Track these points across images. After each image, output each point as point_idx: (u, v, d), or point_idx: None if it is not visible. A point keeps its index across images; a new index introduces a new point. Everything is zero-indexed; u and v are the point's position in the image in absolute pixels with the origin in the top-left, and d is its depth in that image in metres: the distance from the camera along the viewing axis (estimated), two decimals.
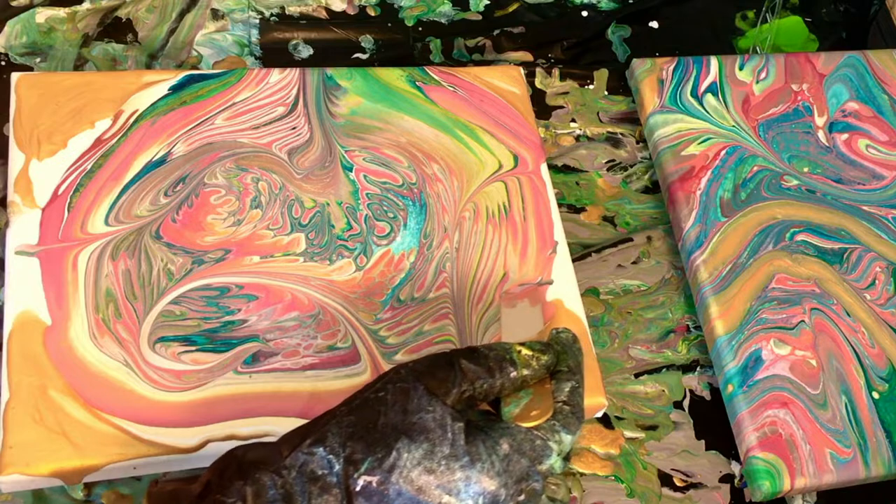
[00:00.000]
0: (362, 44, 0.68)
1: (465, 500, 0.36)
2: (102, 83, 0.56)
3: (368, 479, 0.35)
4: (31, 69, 0.60)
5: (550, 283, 0.56)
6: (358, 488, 0.35)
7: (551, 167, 0.65)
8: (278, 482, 0.35)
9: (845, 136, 0.68)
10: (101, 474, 0.46)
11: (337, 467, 0.35)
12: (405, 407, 0.36)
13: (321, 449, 0.36)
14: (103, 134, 0.55)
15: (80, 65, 0.62)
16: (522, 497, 0.37)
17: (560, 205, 0.63)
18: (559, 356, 0.40)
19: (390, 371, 0.38)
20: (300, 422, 0.48)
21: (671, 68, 0.67)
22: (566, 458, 0.39)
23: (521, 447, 0.37)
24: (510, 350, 0.39)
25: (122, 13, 0.64)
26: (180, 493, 0.36)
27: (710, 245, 0.60)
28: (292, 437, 0.37)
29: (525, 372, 0.39)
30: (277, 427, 0.48)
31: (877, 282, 0.61)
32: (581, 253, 0.62)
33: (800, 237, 0.62)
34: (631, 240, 0.64)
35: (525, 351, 0.39)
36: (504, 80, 0.64)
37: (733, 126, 0.66)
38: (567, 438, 0.38)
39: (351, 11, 0.69)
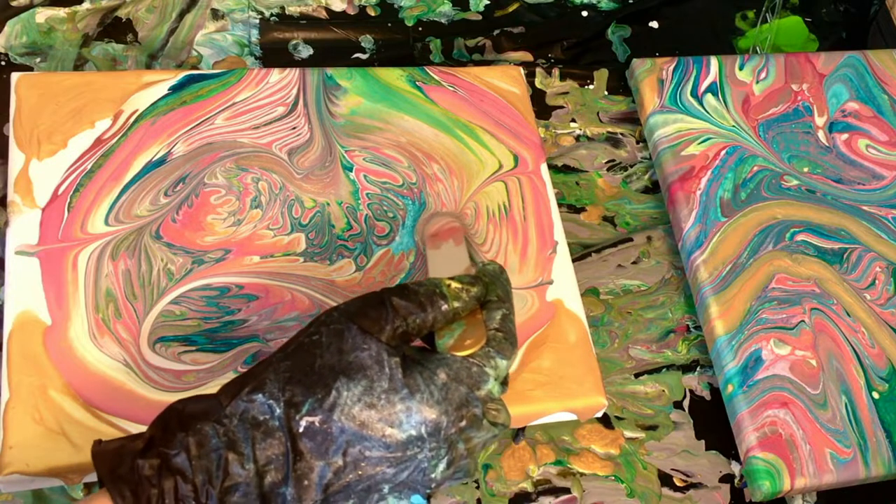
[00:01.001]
0: (362, 44, 0.68)
1: (407, 431, 0.36)
2: (102, 83, 0.56)
3: (310, 419, 0.35)
4: (31, 69, 0.60)
5: (551, 282, 0.56)
6: (301, 429, 0.35)
7: (551, 167, 0.65)
8: (220, 431, 0.35)
9: (845, 136, 0.68)
10: None
11: (278, 411, 0.36)
12: (340, 347, 0.37)
13: (260, 395, 0.36)
14: (103, 134, 0.55)
15: (80, 65, 0.62)
16: (464, 423, 0.38)
17: (560, 205, 0.63)
18: (488, 287, 0.41)
19: (322, 314, 0.39)
20: None
21: (671, 68, 0.67)
22: (504, 383, 0.40)
23: (458, 375, 0.38)
24: (440, 284, 0.40)
25: (122, 13, 0.64)
26: (124, 450, 0.36)
27: (710, 245, 0.60)
28: (231, 388, 0.37)
29: (456, 304, 0.39)
30: None
31: (877, 282, 0.61)
32: (581, 253, 0.62)
33: (800, 237, 0.62)
34: (631, 240, 0.64)
35: (454, 284, 0.40)
36: (504, 80, 0.64)
37: (733, 126, 0.66)
38: (502, 363, 0.39)
39: (351, 11, 0.69)
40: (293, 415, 0.36)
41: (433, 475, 0.38)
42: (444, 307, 0.39)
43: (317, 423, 0.36)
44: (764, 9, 0.77)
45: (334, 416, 0.36)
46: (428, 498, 0.38)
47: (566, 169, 0.66)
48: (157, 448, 0.35)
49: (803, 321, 0.59)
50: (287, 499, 0.36)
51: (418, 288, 0.39)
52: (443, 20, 0.71)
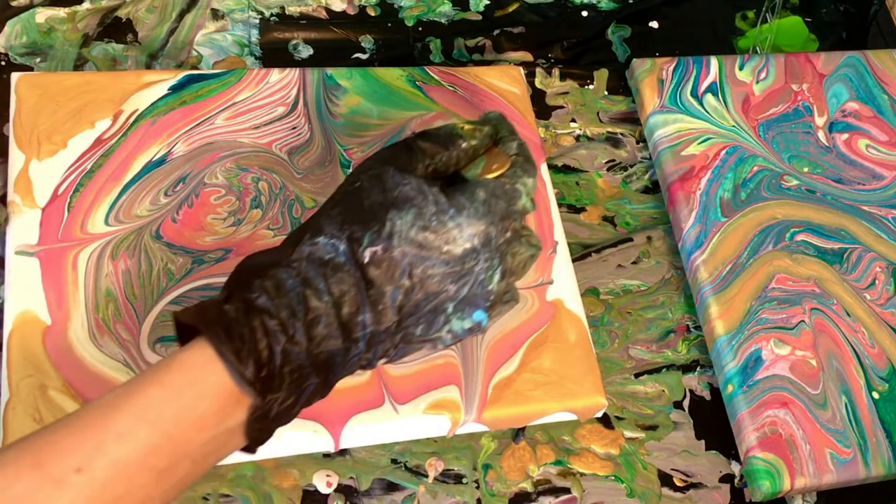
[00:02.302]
0: (362, 44, 0.68)
1: (462, 245, 0.40)
2: (102, 83, 0.56)
3: (373, 249, 0.38)
4: (31, 69, 0.60)
5: (551, 282, 0.56)
6: (366, 260, 0.38)
7: (551, 167, 0.65)
8: (293, 273, 0.38)
9: (845, 136, 0.68)
10: None
11: (342, 247, 0.38)
12: (383, 187, 0.40)
13: (322, 238, 0.39)
14: (103, 134, 0.55)
15: (80, 65, 0.62)
16: (509, 234, 0.41)
17: (560, 205, 0.63)
18: (497, 127, 0.44)
19: (357, 167, 0.42)
20: (301, 422, 0.48)
21: (671, 68, 0.67)
22: (532, 201, 0.43)
23: (495, 192, 0.41)
24: (454, 127, 0.43)
25: (122, 13, 0.64)
26: (206, 305, 0.38)
27: (710, 245, 0.60)
28: (290, 240, 0.40)
29: (473, 142, 0.43)
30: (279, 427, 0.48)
31: (877, 282, 0.61)
32: (581, 253, 0.62)
33: (800, 237, 0.62)
34: (631, 240, 0.64)
35: (467, 126, 0.43)
36: (504, 80, 0.64)
37: (733, 126, 0.66)
38: (529, 181, 0.42)
39: (351, 11, 0.69)
40: (356, 248, 0.38)
41: (490, 287, 0.41)
42: (464, 145, 0.43)
43: (380, 252, 0.38)
44: (764, 9, 0.77)
45: (394, 243, 0.39)
46: (488, 315, 0.41)
47: (566, 169, 0.66)
48: (238, 296, 0.37)
49: (803, 321, 0.59)
50: (366, 324, 0.38)
51: (438, 131, 0.43)
52: (443, 20, 0.71)
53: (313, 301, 0.37)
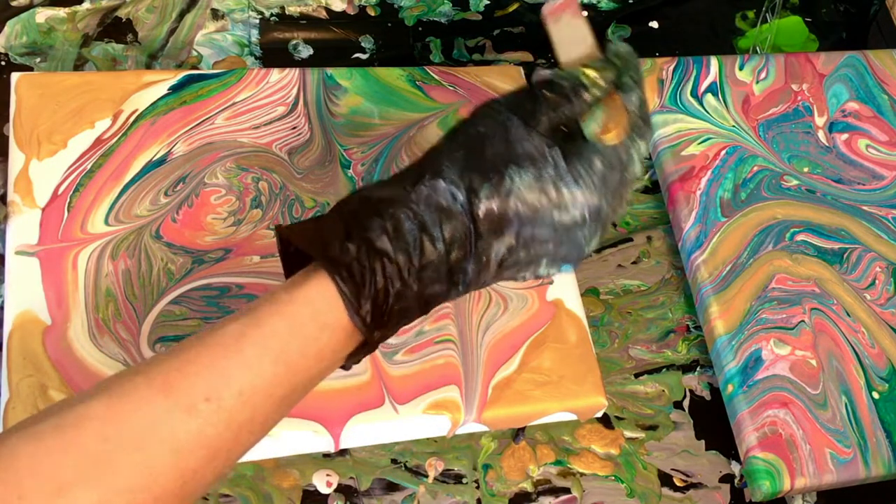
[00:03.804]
0: (362, 44, 0.68)
1: (573, 215, 0.40)
2: (102, 83, 0.56)
3: (489, 204, 0.39)
4: (31, 69, 0.60)
5: (551, 282, 0.56)
6: (481, 213, 0.39)
7: None
8: (411, 215, 0.39)
9: (845, 136, 0.68)
10: None
11: (461, 197, 0.39)
12: (506, 138, 0.40)
13: (441, 181, 0.39)
14: (103, 134, 0.55)
15: (80, 65, 0.62)
16: (615, 202, 0.42)
17: None
18: (620, 70, 0.43)
19: (481, 108, 0.42)
20: (301, 422, 0.48)
21: (671, 68, 0.67)
22: (642, 163, 0.43)
23: (612, 162, 0.41)
24: (578, 75, 0.42)
25: (122, 13, 0.64)
26: (325, 236, 0.38)
27: (710, 245, 0.60)
28: (409, 174, 0.40)
29: (596, 92, 0.42)
30: (278, 427, 0.48)
31: (877, 282, 0.61)
32: None
33: (800, 237, 0.62)
34: (631, 240, 0.64)
35: (591, 73, 0.42)
36: (504, 80, 0.64)
37: (733, 126, 0.66)
38: (643, 146, 0.43)
39: (351, 11, 0.69)
40: (473, 199, 0.39)
41: (587, 251, 0.42)
42: (587, 97, 0.42)
43: (495, 208, 0.39)
44: (764, 9, 0.77)
45: (510, 202, 0.39)
46: (573, 268, 0.43)
47: None
48: (359, 234, 0.38)
49: (803, 321, 0.59)
50: (468, 273, 0.40)
51: (563, 81, 0.42)
52: (443, 20, 0.71)
53: (428, 248, 0.38)
